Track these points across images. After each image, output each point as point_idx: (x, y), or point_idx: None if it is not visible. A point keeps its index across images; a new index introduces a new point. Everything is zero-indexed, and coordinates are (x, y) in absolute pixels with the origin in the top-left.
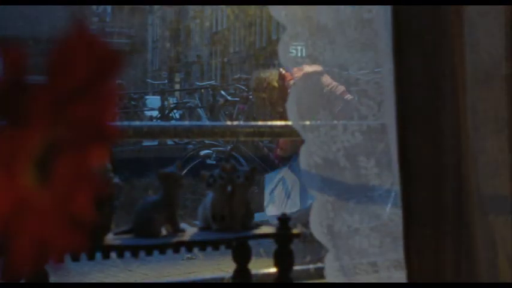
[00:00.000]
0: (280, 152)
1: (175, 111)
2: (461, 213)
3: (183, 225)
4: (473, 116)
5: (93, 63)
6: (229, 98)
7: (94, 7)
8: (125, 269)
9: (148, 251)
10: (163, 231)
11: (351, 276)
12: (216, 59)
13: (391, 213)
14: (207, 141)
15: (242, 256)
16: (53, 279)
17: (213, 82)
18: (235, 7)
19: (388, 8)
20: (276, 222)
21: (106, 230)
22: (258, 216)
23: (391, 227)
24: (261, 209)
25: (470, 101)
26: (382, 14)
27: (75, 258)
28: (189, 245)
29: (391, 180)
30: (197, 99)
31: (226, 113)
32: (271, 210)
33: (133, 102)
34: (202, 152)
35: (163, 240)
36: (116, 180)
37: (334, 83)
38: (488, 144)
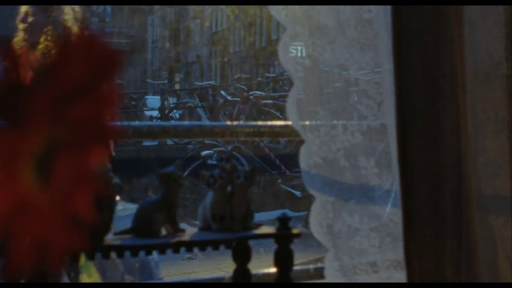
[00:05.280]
0: None
1: (175, 111)
2: (461, 213)
3: (183, 225)
4: (473, 116)
5: (93, 63)
6: (229, 98)
7: (94, 7)
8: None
9: (148, 251)
10: (163, 231)
11: (350, 276)
12: (216, 59)
13: (391, 214)
14: (207, 142)
15: (242, 256)
16: (52, 279)
17: (213, 82)
18: (235, 7)
19: (388, 8)
20: None
21: (106, 230)
22: (258, 216)
23: (391, 227)
24: (261, 209)
25: (470, 101)
26: (382, 14)
27: (75, 258)
28: (189, 245)
29: (391, 180)
30: (197, 99)
31: (226, 113)
32: None
33: (133, 102)
34: (204, 153)
35: (163, 240)
36: (116, 180)
37: None
38: (488, 144)
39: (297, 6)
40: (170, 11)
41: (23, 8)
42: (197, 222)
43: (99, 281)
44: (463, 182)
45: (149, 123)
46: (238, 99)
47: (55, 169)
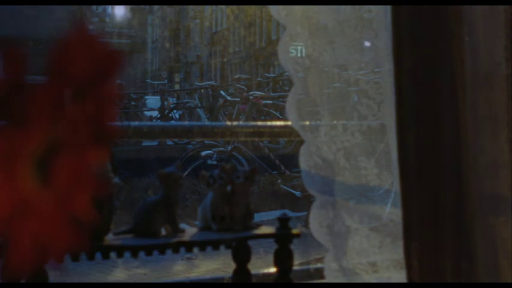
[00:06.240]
0: None
1: (175, 111)
2: (461, 213)
3: (183, 225)
4: (473, 116)
5: (93, 63)
6: (229, 98)
7: (94, 7)
8: (125, 269)
9: (148, 251)
10: (163, 231)
11: (350, 276)
12: (215, 59)
13: (391, 214)
14: (207, 142)
15: (242, 256)
16: (53, 279)
17: (212, 82)
18: (235, 7)
19: (388, 8)
20: None
21: (106, 230)
22: (258, 216)
23: (391, 227)
24: (261, 209)
25: (470, 101)
26: (382, 14)
27: (75, 258)
28: (189, 245)
29: (391, 180)
30: (197, 99)
31: (226, 113)
32: None
33: (133, 103)
34: (204, 153)
35: (163, 241)
36: (116, 180)
37: None
38: (488, 144)
39: (297, 6)
40: (170, 11)
41: None
42: (197, 222)
43: None
44: (463, 182)
45: (149, 123)
46: (238, 99)
47: (55, 169)
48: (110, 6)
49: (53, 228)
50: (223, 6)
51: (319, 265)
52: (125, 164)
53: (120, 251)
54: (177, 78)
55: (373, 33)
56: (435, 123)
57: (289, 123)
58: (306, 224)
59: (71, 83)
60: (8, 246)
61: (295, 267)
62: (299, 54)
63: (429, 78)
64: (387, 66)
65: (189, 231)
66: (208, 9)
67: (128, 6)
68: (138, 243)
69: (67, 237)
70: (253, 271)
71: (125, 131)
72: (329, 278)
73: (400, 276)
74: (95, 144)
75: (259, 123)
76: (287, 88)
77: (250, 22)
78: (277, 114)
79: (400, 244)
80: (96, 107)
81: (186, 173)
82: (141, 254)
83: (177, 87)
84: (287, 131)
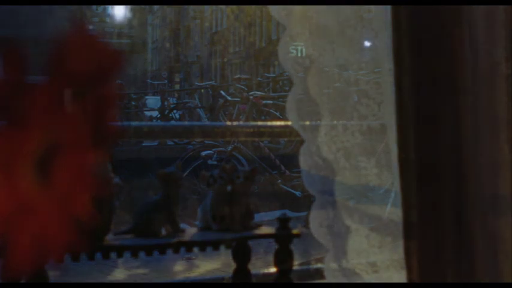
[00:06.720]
0: None
1: (175, 111)
2: (461, 213)
3: (183, 225)
4: (473, 116)
5: (93, 63)
6: (229, 98)
7: (94, 7)
8: (125, 269)
9: (148, 251)
10: (163, 231)
11: (350, 276)
12: (215, 59)
13: (391, 214)
14: (207, 142)
15: (242, 256)
16: (53, 279)
17: (212, 82)
18: (235, 7)
19: (388, 8)
20: None
21: (106, 230)
22: (258, 217)
23: (391, 227)
24: (262, 209)
25: (470, 101)
26: (382, 14)
27: (75, 258)
28: (189, 245)
29: (391, 180)
30: (197, 99)
31: (226, 113)
32: None
33: (133, 103)
34: (204, 153)
35: (163, 241)
36: (116, 180)
37: None
38: (488, 144)
39: (297, 6)
40: (170, 11)
41: None
42: (197, 222)
43: None
44: (463, 182)
45: (149, 123)
46: (238, 99)
47: (55, 169)
48: (110, 6)
49: (53, 228)
50: (223, 6)
51: (319, 265)
52: (125, 164)
53: (120, 251)
54: (177, 78)
55: (373, 33)
56: (435, 123)
57: (289, 123)
58: (306, 224)
59: (71, 83)
60: (8, 246)
61: (295, 267)
62: (299, 54)
63: (429, 78)
64: (387, 66)
65: (189, 231)
66: (208, 9)
67: (128, 6)
68: (138, 243)
69: (67, 237)
70: (253, 271)
71: (125, 131)
72: (329, 278)
73: (400, 276)
74: (95, 144)
75: (259, 123)
76: (287, 88)
77: (250, 22)
78: (277, 114)
79: (400, 244)
80: (96, 107)
81: (186, 173)
82: (141, 254)
83: (177, 87)
84: (287, 131)
